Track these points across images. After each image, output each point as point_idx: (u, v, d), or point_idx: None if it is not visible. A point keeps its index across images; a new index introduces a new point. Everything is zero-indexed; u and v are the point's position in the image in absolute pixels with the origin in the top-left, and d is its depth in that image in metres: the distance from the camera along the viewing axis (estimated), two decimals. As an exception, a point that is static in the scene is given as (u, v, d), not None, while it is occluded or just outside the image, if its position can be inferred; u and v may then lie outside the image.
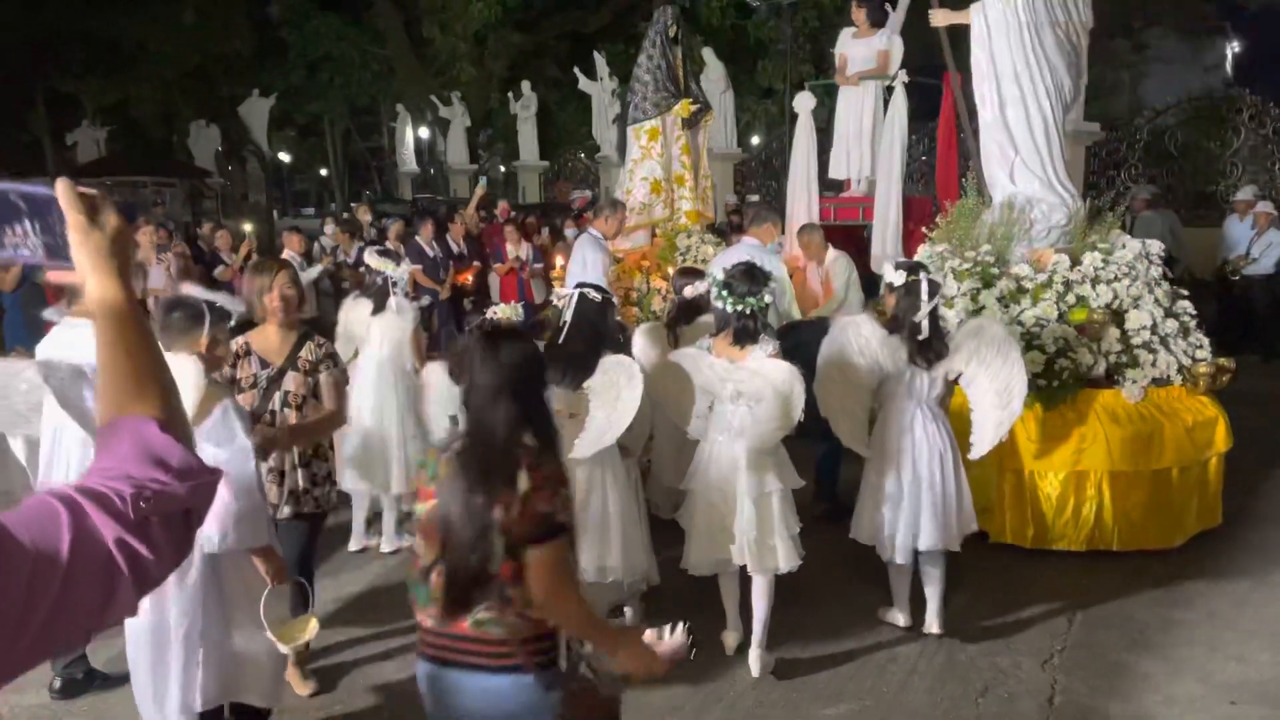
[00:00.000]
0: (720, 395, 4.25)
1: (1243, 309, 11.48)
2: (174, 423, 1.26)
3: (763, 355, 4.20)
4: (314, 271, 9.72)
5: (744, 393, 4.18)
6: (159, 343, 1.28)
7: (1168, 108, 15.08)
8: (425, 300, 5.63)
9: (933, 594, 4.78)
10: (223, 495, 3.23)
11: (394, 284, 5.79)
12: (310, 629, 3.55)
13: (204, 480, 1.23)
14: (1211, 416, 5.79)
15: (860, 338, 4.50)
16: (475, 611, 2.35)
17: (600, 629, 2.53)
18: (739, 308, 4.24)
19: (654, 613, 4.92)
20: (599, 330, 4.25)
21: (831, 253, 7.61)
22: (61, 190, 1.30)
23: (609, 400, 4.09)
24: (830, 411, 4.55)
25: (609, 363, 4.14)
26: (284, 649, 3.46)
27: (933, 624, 4.78)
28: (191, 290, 3.62)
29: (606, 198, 7.12)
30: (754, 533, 4.19)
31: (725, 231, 10.44)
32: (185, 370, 3.18)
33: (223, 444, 3.23)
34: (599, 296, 4.28)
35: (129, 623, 3.23)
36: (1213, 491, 5.91)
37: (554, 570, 2.33)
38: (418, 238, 10.56)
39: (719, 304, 4.30)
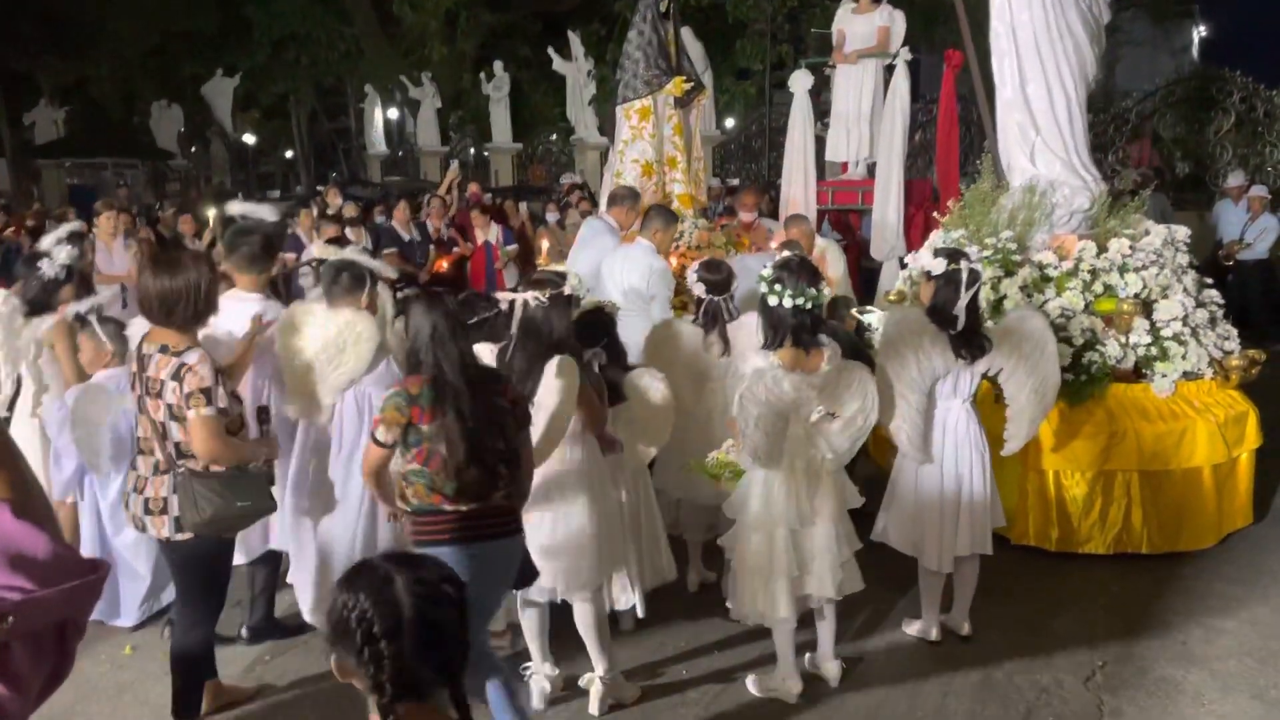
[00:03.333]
0: (804, 416, 3.78)
1: (1237, 295, 11.27)
2: (29, 503, 0.93)
3: (836, 360, 3.82)
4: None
5: (831, 408, 3.78)
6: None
7: (1156, 90, 14.83)
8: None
9: (965, 595, 4.53)
10: None
11: None
12: None
13: (84, 582, 0.89)
14: (1243, 411, 5.51)
15: (913, 335, 4.13)
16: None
17: None
18: (799, 301, 3.78)
19: (647, 621, 4.62)
20: (547, 341, 3.67)
21: (820, 241, 7.29)
22: None
23: (540, 409, 3.62)
24: (887, 417, 4.19)
25: (549, 366, 3.63)
26: None
27: (962, 625, 4.54)
28: (354, 254, 4.35)
29: (623, 186, 6.59)
30: (839, 558, 3.88)
31: (712, 214, 10.09)
32: (362, 324, 3.91)
33: (388, 386, 3.65)
34: (544, 301, 3.68)
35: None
36: (1243, 490, 5.63)
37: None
38: (393, 222, 10.12)
39: (772, 300, 3.80)
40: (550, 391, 3.60)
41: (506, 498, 3.30)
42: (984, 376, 4.43)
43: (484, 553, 3.24)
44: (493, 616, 3.60)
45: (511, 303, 3.75)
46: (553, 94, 24.70)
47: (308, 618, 4.22)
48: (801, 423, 3.77)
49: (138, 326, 4.45)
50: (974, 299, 4.15)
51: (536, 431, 3.60)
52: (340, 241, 5.59)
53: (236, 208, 5.26)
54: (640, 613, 4.33)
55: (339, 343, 3.93)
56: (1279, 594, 4.98)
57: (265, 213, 4.78)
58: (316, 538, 4.18)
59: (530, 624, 3.99)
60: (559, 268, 4.54)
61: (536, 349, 3.67)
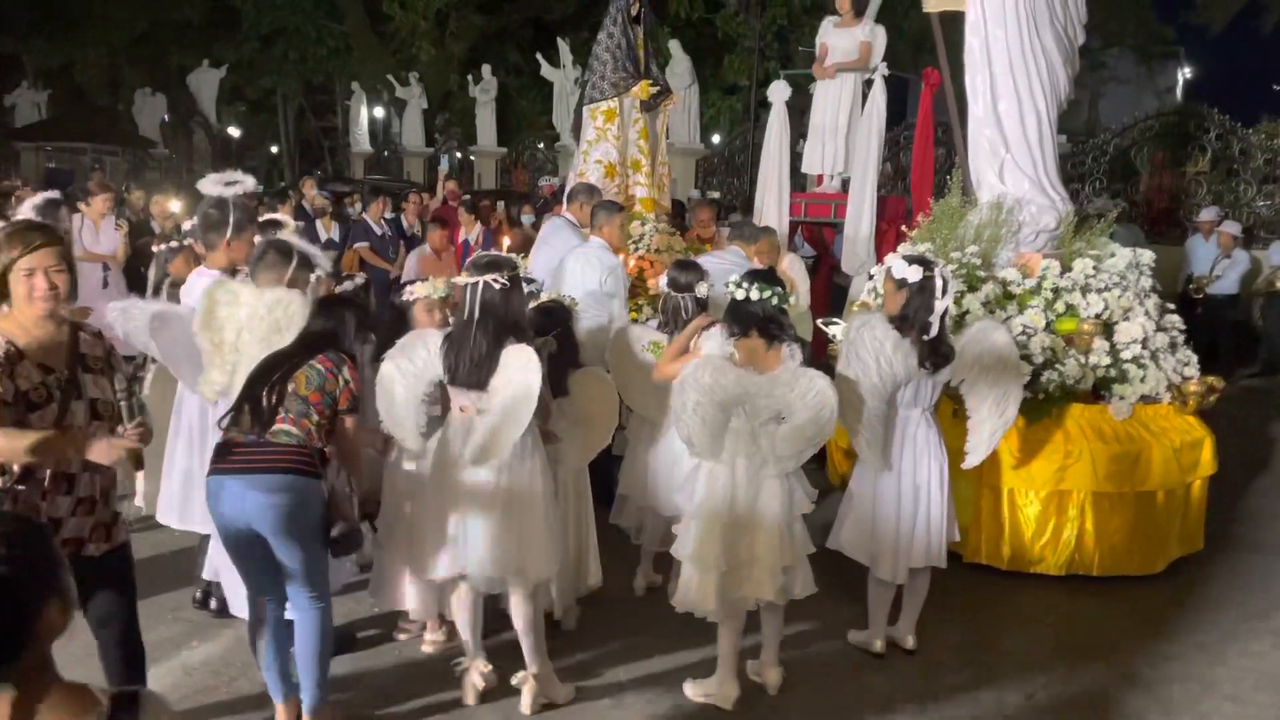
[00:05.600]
0: (749, 414, 3.72)
1: (1206, 329, 11.31)
2: None
3: (795, 365, 3.75)
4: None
5: (780, 411, 3.70)
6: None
7: (1135, 123, 14.91)
8: (360, 278, 5.07)
9: (914, 608, 4.48)
10: None
11: None
12: None
13: None
14: (1199, 438, 5.50)
15: (875, 340, 4.06)
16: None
17: None
18: (766, 294, 3.79)
19: (590, 623, 4.57)
20: (505, 323, 3.64)
21: (787, 258, 7.27)
22: None
23: (505, 397, 3.56)
24: (849, 422, 4.14)
25: (509, 354, 3.59)
26: None
27: (907, 638, 4.50)
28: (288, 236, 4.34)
29: (581, 183, 6.56)
30: (780, 562, 3.79)
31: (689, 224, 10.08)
32: (294, 302, 3.88)
33: None
34: (505, 283, 3.65)
35: None
36: (1194, 515, 5.62)
37: None
38: (365, 215, 10.05)
39: (744, 294, 3.81)
40: (512, 381, 3.54)
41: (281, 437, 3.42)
42: (945, 388, 4.41)
43: (221, 486, 3.39)
44: (292, 570, 3.46)
45: (469, 285, 3.68)
46: (540, 100, 24.69)
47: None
48: (747, 421, 3.71)
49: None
50: (945, 306, 4.13)
51: (489, 419, 3.54)
52: (274, 225, 5.43)
53: (206, 185, 5.17)
54: (558, 616, 4.30)
55: (273, 321, 3.85)
56: (1226, 621, 4.96)
57: (220, 188, 4.70)
58: None
59: (463, 617, 3.91)
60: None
61: (497, 330, 3.61)
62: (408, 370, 3.72)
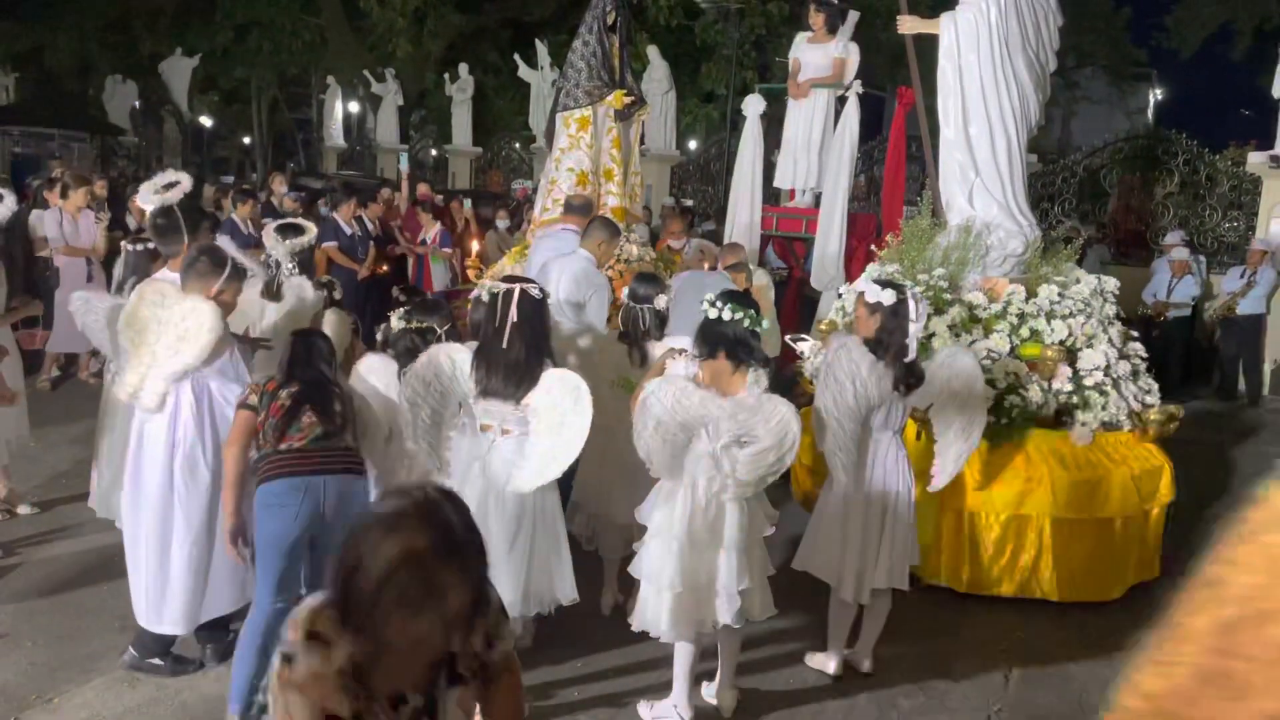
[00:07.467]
0: (710, 436, 3.69)
1: (1160, 351, 11.42)
2: None
3: (758, 390, 3.74)
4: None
5: (740, 435, 3.67)
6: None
7: (1105, 145, 15.05)
8: (338, 294, 5.01)
9: (873, 631, 4.49)
10: None
11: (276, 264, 5.18)
12: None
13: None
14: (1158, 465, 5.54)
15: (851, 363, 4.05)
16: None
17: None
18: (738, 314, 3.76)
19: (546, 640, 4.53)
20: (540, 334, 3.75)
21: (759, 276, 7.24)
22: None
23: (553, 425, 3.61)
24: (825, 445, 4.13)
25: (553, 378, 3.65)
26: None
27: (864, 661, 4.50)
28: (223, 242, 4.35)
29: (580, 195, 6.50)
30: (737, 585, 3.76)
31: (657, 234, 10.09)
32: (204, 313, 3.77)
33: (230, 380, 3.89)
34: (539, 294, 3.81)
35: None
36: (1152, 543, 5.67)
37: None
38: (335, 214, 9.93)
39: (718, 313, 3.78)
40: (560, 408, 3.63)
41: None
42: (913, 411, 4.43)
43: (324, 485, 3.54)
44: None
45: (502, 292, 3.78)
46: (517, 101, 24.59)
47: (140, 619, 4.01)
48: (710, 443, 3.69)
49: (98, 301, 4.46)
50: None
51: (539, 444, 3.65)
52: (292, 229, 5.39)
53: (144, 198, 5.10)
54: (517, 633, 4.30)
55: (180, 330, 3.80)
56: (1179, 650, 4.99)
57: (158, 195, 4.72)
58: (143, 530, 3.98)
59: None
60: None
61: (532, 340, 3.74)
62: (435, 389, 3.71)
